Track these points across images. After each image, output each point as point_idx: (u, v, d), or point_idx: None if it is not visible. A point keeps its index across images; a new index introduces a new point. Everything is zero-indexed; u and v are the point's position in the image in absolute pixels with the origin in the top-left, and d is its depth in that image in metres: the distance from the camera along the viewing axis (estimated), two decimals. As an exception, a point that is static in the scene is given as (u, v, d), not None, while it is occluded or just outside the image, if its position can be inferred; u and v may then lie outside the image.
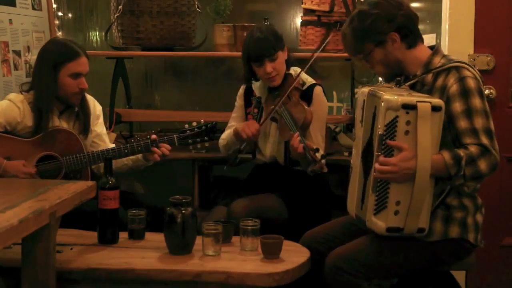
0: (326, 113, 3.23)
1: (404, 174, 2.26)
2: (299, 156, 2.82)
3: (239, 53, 3.76)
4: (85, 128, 3.04)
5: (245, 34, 3.69)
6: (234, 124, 3.31)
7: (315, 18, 3.73)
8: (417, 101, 2.25)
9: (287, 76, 3.13)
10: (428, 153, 2.25)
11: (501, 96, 3.54)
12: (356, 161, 2.52)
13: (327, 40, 3.27)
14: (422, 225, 2.33)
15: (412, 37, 2.48)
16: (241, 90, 3.33)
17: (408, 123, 2.25)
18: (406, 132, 2.26)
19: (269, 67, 3.05)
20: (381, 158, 2.28)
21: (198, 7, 3.76)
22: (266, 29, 3.13)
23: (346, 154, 3.52)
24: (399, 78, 2.52)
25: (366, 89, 2.47)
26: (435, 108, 2.25)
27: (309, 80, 3.18)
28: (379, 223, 2.34)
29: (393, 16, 2.44)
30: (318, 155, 2.78)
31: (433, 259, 2.46)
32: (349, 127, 3.79)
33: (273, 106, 3.06)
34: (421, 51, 2.50)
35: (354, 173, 2.54)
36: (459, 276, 3.02)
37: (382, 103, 2.29)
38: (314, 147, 2.82)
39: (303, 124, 3.01)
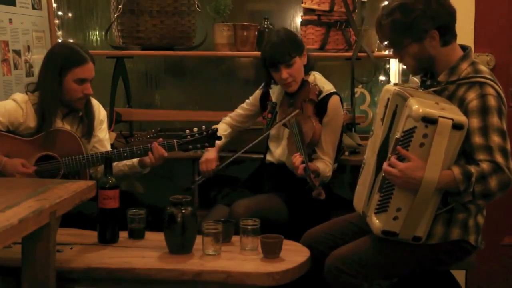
0: (341, 124, 3.15)
1: (407, 182, 2.24)
2: (300, 175, 2.81)
3: (239, 53, 3.78)
4: (89, 132, 3.03)
5: (245, 34, 3.70)
6: (241, 112, 3.34)
7: (315, 17, 3.73)
8: (439, 116, 2.18)
9: (305, 82, 3.09)
10: (437, 169, 2.21)
11: (501, 95, 3.54)
12: (370, 158, 2.50)
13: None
14: (418, 234, 2.32)
15: (450, 35, 2.41)
16: (259, 91, 3.32)
17: (425, 136, 2.20)
18: (421, 145, 2.22)
19: (285, 73, 3.02)
20: (392, 159, 2.26)
21: (198, 7, 3.76)
22: (285, 33, 3.08)
23: (346, 153, 3.51)
24: (424, 78, 2.48)
25: (392, 87, 2.43)
26: (456, 126, 2.19)
27: (326, 88, 3.12)
28: (376, 223, 2.35)
29: (437, 13, 2.36)
30: (318, 180, 2.76)
31: (433, 261, 2.46)
32: (349, 127, 3.79)
33: (284, 116, 3.04)
34: (453, 50, 2.43)
35: (366, 170, 2.53)
36: (459, 275, 3.02)
37: (406, 108, 2.25)
38: (318, 170, 2.81)
39: (311, 141, 2.98)
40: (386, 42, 2.50)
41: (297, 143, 2.91)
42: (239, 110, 3.37)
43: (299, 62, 3.05)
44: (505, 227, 3.63)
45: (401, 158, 2.25)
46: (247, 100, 3.36)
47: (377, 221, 2.35)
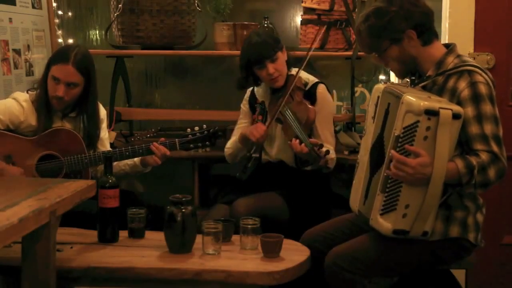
0: (333, 110, 3.23)
1: (417, 178, 2.25)
2: (306, 156, 2.85)
3: (239, 52, 3.77)
4: (91, 140, 2.98)
5: (245, 33, 3.69)
6: (242, 128, 3.31)
7: (315, 17, 3.73)
8: (439, 108, 2.21)
9: (289, 77, 3.15)
10: (445, 161, 2.24)
11: (500, 94, 3.53)
12: (363, 156, 2.51)
13: (319, 36, 3.26)
14: (427, 229, 2.33)
15: (428, 34, 2.44)
16: (246, 96, 3.33)
17: (428, 128, 2.22)
18: (425, 138, 2.23)
19: (271, 68, 3.07)
20: (400, 157, 2.25)
21: (198, 6, 3.77)
22: (263, 32, 3.19)
23: (346, 152, 3.51)
24: (413, 77, 2.50)
25: (381, 86, 2.46)
26: (455, 116, 2.23)
27: (311, 79, 3.20)
28: (385, 224, 2.34)
29: (411, 13, 2.40)
30: (323, 150, 2.80)
31: (433, 258, 2.46)
32: (349, 126, 3.79)
33: (276, 107, 3.07)
34: (436, 48, 2.47)
35: (360, 169, 2.53)
36: (459, 275, 3.03)
37: (403, 104, 2.26)
38: (319, 142, 2.85)
39: (306, 122, 3.03)
40: (367, 50, 2.54)
41: (294, 126, 2.95)
42: (237, 130, 3.31)
43: (282, 57, 3.13)
44: (504, 227, 3.63)
45: (405, 155, 2.26)
46: (240, 116, 3.35)
47: (385, 222, 2.34)
